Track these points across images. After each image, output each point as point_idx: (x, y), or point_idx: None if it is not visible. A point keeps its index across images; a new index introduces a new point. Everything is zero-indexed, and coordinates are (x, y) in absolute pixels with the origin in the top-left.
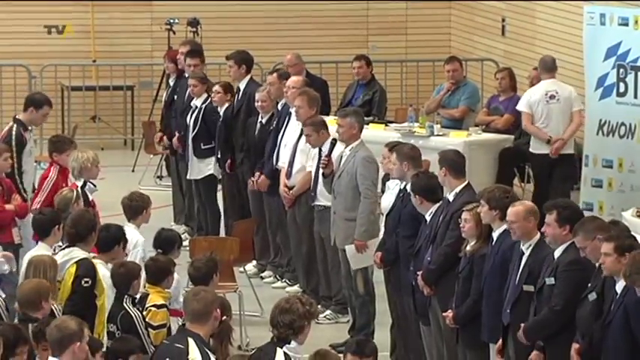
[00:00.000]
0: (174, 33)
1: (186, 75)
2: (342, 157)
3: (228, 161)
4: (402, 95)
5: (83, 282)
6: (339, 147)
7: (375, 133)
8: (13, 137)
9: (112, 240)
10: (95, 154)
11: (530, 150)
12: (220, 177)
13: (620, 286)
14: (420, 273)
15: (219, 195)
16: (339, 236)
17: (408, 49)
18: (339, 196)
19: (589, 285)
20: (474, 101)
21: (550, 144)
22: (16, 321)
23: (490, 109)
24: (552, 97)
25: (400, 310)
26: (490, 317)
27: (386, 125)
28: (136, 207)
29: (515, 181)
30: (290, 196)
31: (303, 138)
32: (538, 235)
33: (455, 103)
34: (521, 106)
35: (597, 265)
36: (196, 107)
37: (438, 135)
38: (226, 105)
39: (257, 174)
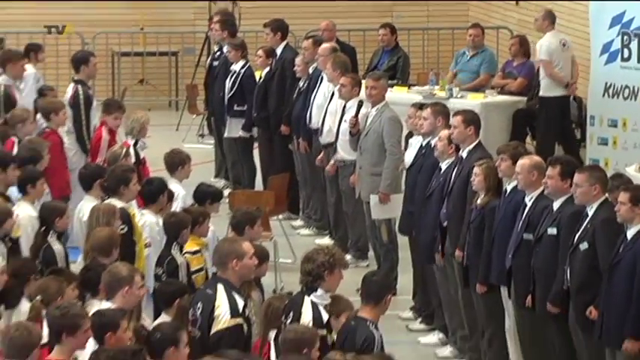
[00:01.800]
0: (214, 3)
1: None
2: (368, 117)
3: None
4: (423, 60)
5: (119, 229)
6: (365, 108)
7: (399, 95)
8: (81, 96)
9: (155, 192)
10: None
11: (542, 94)
12: (256, 135)
13: (631, 232)
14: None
15: (255, 152)
16: (365, 190)
17: (430, 18)
18: (366, 152)
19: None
20: (492, 67)
21: (568, 87)
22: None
23: (505, 73)
24: (564, 44)
25: (420, 258)
26: (498, 262)
27: (409, 88)
28: (176, 162)
29: (528, 139)
30: (333, 168)
31: (333, 100)
32: (540, 188)
33: (473, 67)
34: (542, 55)
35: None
36: (235, 72)
37: (456, 97)
38: (267, 69)
39: (295, 138)
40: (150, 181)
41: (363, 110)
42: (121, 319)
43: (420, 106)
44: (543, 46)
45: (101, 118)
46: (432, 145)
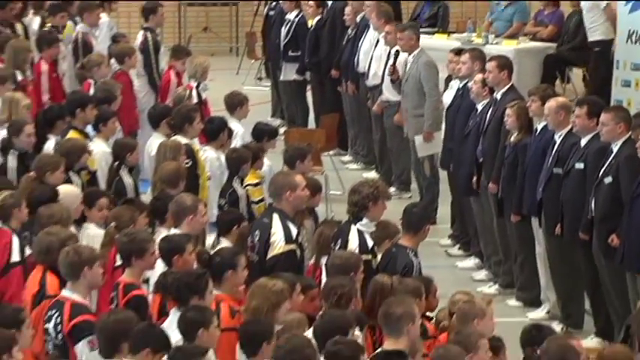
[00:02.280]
0: None
1: None
2: (406, 63)
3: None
4: (462, 10)
5: (184, 163)
6: (403, 56)
7: (440, 42)
8: (150, 42)
9: (216, 130)
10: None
11: (602, 38)
12: (309, 78)
13: None
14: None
15: (308, 94)
16: (411, 129)
17: None
18: (407, 96)
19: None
20: (525, 16)
21: None
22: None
23: (536, 21)
24: None
25: (458, 190)
26: (530, 194)
27: (448, 35)
28: (235, 103)
29: (557, 82)
30: (379, 108)
31: (379, 46)
32: (568, 127)
33: (507, 16)
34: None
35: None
36: (289, 20)
37: (492, 43)
38: (317, 17)
39: (344, 81)
40: (211, 120)
41: (401, 58)
42: (186, 243)
43: (458, 52)
44: None
45: (169, 63)
46: (469, 88)
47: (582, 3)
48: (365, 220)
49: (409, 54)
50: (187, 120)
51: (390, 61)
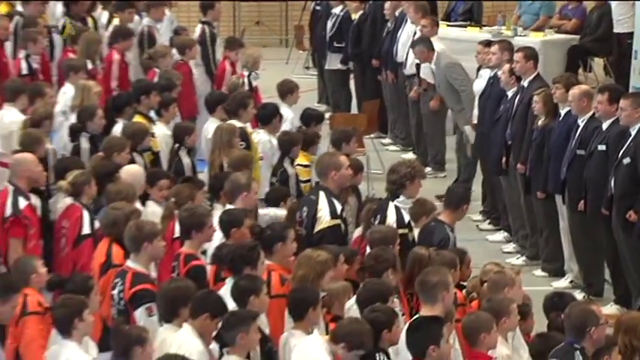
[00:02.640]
0: None
1: None
2: (433, 72)
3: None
4: (492, 4)
5: (238, 145)
6: (426, 66)
7: (473, 34)
8: (207, 35)
9: (269, 115)
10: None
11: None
12: (352, 68)
13: None
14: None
15: (351, 82)
16: (460, 122)
17: None
18: (445, 97)
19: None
20: (551, 10)
21: None
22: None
23: (561, 15)
24: None
25: (489, 170)
26: (554, 174)
27: (480, 28)
28: (286, 90)
29: (580, 70)
30: (416, 95)
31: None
32: (591, 112)
33: (534, 10)
34: None
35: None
36: (335, 14)
37: (520, 35)
38: (360, 12)
39: (384, 70)
40: (265, 106)
41: (424, 69)
42: (244, 217)
43: (487, 44)
44: None
45: (224, 54)
46: (498, 77)
47: None
48: (402, 198)
49: (429, 63)
50: (242, 105)
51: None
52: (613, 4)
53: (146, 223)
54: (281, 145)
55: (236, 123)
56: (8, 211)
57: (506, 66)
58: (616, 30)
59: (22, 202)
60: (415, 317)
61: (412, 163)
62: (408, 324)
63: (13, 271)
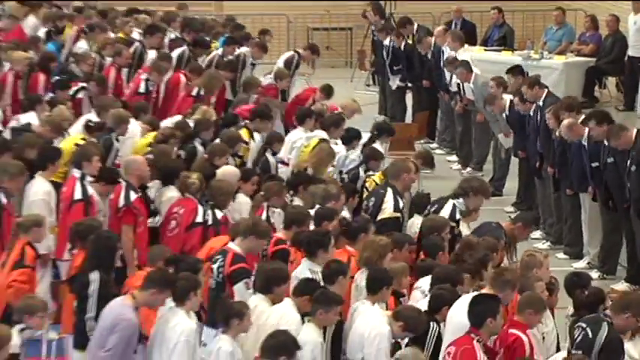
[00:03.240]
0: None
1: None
2: (472, 90)
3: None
4: (522, 33)
5: None
6: (467, 86)
7: (506, 57)
8: (294, 62)
9: (352, 137)
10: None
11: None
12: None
13: None
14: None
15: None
16: (495, 130)
17: (527, 3)
18: (482, 110)
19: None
20: (571, 37)
21: None
22: None
23: (580, 41)
24: None
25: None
26: (576, 176)
27: (512, 52)
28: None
29: (596, 87)
30: (460, 108)
31: None
32: (585, 132)
33: (557, 37)
34: None
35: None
36: (386, 45)
37: (546, 58)
38: (403, 43)
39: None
40: (348, 130)
41: (465, 88)
42: (335, 215)
43: (510, 70)
44: None
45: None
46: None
47: (630, 23)
48: (461, 200)
49: (469, 82)
50: (335, 124)
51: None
52: (631, 31)
53: (264, 222)
54: (365, 156)
55: (323, 135)
56: (121, 202)
57: (516, 99)
58: (630, 53)
59: (133, 195)
60: (477, 294)
61: (484, 183)
62: (471, 298)
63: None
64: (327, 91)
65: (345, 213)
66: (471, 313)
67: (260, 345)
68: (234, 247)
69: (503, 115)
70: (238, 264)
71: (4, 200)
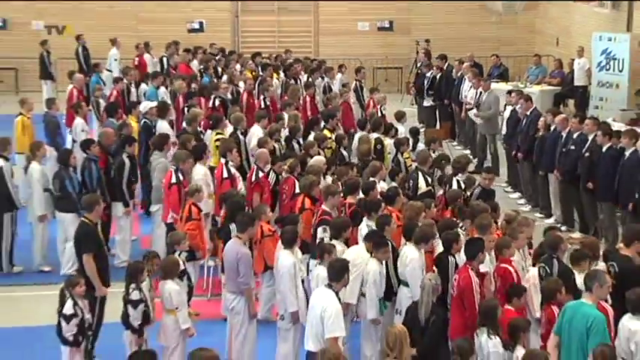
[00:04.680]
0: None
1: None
2: (485, 96)
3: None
4: (513, 70)
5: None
6: (485, 94)
7: (502, 86)
8: (359, 86)
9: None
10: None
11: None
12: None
13: None
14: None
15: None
16: (484, 131)
17: (518, 47)
18: (484, 110)
19: None
20: (544, 73)
21: None
22: None
23: (551, 75)
24: None
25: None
26: (546, 162)
27: (507, 82)
28: (400, 115)
29: (561, 106)
30: (465, 118)
31: (471, 90)
32: (568, 127)
33: (536, 73)
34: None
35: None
36: (427, 77)
37: (528, 87)
38: (439, 73)
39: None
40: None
41: (483, 97)
42: (375, 185)
43: (509, 92)
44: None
45: (369, 96)
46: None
47: (575, 65)
48: (460, 175)
49: (486, 91)
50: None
51: (475, 98)
52: (576, 70)
53: (336, 188)
54: (395, 145)
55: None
56: (253, 178)
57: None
58: (576, 83)
59: (260, 174)
60: (471, 237)
61: (466, 157)
62: (466, 240)
63: (254, 211)
64: (375, 91)
65: (384, 184)
66: (467, 250)
67: None
68: (324, 207)
69: (504, 115)
70: (323, 216)
71: (181, 177)
